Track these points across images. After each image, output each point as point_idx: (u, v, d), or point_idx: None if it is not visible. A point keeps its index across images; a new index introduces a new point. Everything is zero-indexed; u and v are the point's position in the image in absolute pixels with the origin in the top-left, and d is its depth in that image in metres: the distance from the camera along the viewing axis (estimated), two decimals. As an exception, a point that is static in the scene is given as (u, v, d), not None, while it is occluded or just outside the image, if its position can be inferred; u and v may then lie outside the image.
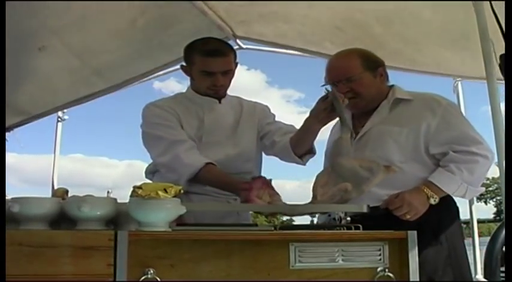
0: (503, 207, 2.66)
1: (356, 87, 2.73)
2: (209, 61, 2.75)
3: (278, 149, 2.86)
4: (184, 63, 2.92)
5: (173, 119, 2.81)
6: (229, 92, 2.98)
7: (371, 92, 2.78)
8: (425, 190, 2.60)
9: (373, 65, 2.81)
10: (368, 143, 2.74)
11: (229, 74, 2.84)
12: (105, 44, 3.82)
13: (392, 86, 2.88)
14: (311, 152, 2.82)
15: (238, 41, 4.31)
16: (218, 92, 2.87)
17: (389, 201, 2.58)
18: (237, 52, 4.18)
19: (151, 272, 1.80)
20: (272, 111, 3.11)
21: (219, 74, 2.78)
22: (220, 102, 2.91)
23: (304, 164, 2.84)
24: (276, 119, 3.08)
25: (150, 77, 4.84)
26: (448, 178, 2.59)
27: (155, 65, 4.49)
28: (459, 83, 4.65)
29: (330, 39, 3.85)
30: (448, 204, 2.68)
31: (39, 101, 4.57)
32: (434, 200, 2.59)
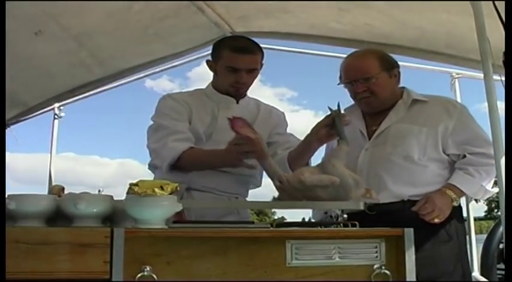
0: (494, 205, 2.70)
1: (373, 86, 2.82)
2: (236, 57, 2.77)
3: (276, 161, 2.82)
4: (210, 58, 2.93)
5: (183, 112, 2.82)
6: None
7: (386, 92, 2.86)
8: (448, 193, 2.70)
9: (389, 66, 2.88)
10: (387, 140, 2.82)
11: (253, 72, 2.85)
12: (101, 26, 3.81)
13: (404, 87, 2.96)
14: None
15: (236, 38, 4.29)
16: (239, 90, 2.87)
17: (420, 207, 2.66)
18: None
19: (148, 269, 1.79)
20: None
21: (243, 71, 2.79)
22: (237, 102, 2.92)
23: None
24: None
25: (147, 73, 4.84)
26: (468, 181, 2.72)
27: (150, 53, 4.47)
28: (456, 80, 4.70)
29: (335, 20, 3.84)
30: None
31: (36, 89, 4.56)
32: (457, 202, 2.73)
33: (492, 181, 2.79)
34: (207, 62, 2.94)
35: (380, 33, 3.82)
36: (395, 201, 2.72)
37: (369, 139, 2.88)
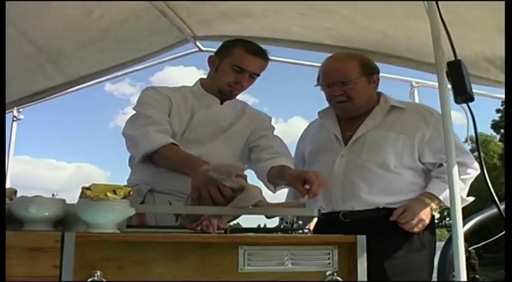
0: (446, 213, 2.71)
1: (350, 91, 2.79)
2: (248, 58, 2.76)
3: (259, 167, 2.74)
4: (213, 55, 2.91)
5: (164, 103, 2.76)
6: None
7: (363, 98, 2.83)
8: (428, 201, 2.69)
9: (369, 71, 2.86)
10: (364, 147, 2.79)
11: (254, 78, 2.83)
12: (61, 30, 3.76)
13: (380, 93, 2.94)
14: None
15: (198, 43, 4.28)
16: (234, 91, 2.84)
17: (399, 215, 2.65)
18: (197, 55, 4.17)
19: (99, 274, 1.78)
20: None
21: (247, 74, 2.77)
22: (221, 103, 2.88)
23: (274, 192, 2.75)
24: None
25: (109, 76, 4.79)
26: (446, 190, 2.64)
27: (110, 59, 4.40)
28: (416, 89, 4.71)
29: (297, 24, 3.84)
30: None
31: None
32: (435, 211, 2.72)
33: (467, 190, 2.79)
34: (210, 57, 2.90)
35: (341, 37, 3.84)
36: (370, 209, 2.71)
37: (345, 144, 2.85)
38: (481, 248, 4.36)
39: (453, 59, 2.19)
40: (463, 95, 2.14)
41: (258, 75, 2.84)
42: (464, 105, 2.19)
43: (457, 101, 2.15)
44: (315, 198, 2.78)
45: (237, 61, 2.76)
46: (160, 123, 2.68)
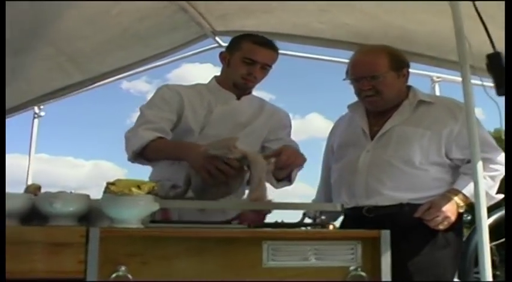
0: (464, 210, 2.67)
1: (379, 85, 2.76)
2: (257, 49, 2.80)
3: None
4: (224, 51, 2.96)
5: (172, 101, 2.81)
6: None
7: (392, 92, 2.79)
8: (454, 198, 2.63)
9: (399, 65, 2.82)
10: (390, 142, 2.75)
11: (266, 69, 2.86)
12: (80, 31, 3.77)
13: (410, 86, 2.90)
14: (289, 180, 2.78)
15: (217, 38, 4.26)
16: (248, 83, 2.86)
17: (424, 212, 2.61)
18: (216, 51, 4.17)
19: (123, 269, 1.79)
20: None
21: (259, 65, 2.80)
22: (238, 99, 2.90)
23: (276, 187, 2.76)
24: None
25: (125, 74, 4.78)
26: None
27: (130, 56, 4.41)
28: (436, 84, 4.69)
29: (317, 20, 3.82)
30: None
31: (12, 92, 4.49)
32: (462, 209, 2.65)
33: (496, 187, 2.72)
34: (221, 54, 2.95)
35: (361, 33, 3.81)
36: (394, 205, 2.67)
37: (371, 139, 2.82)
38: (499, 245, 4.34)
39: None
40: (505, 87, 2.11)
41: (270, 66, 2.87)
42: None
43: (498, 93, 2.13)
44: (339, 193, 2.79)
45: (247, 53, 2.81)
46: (153, 122, 2.72)
